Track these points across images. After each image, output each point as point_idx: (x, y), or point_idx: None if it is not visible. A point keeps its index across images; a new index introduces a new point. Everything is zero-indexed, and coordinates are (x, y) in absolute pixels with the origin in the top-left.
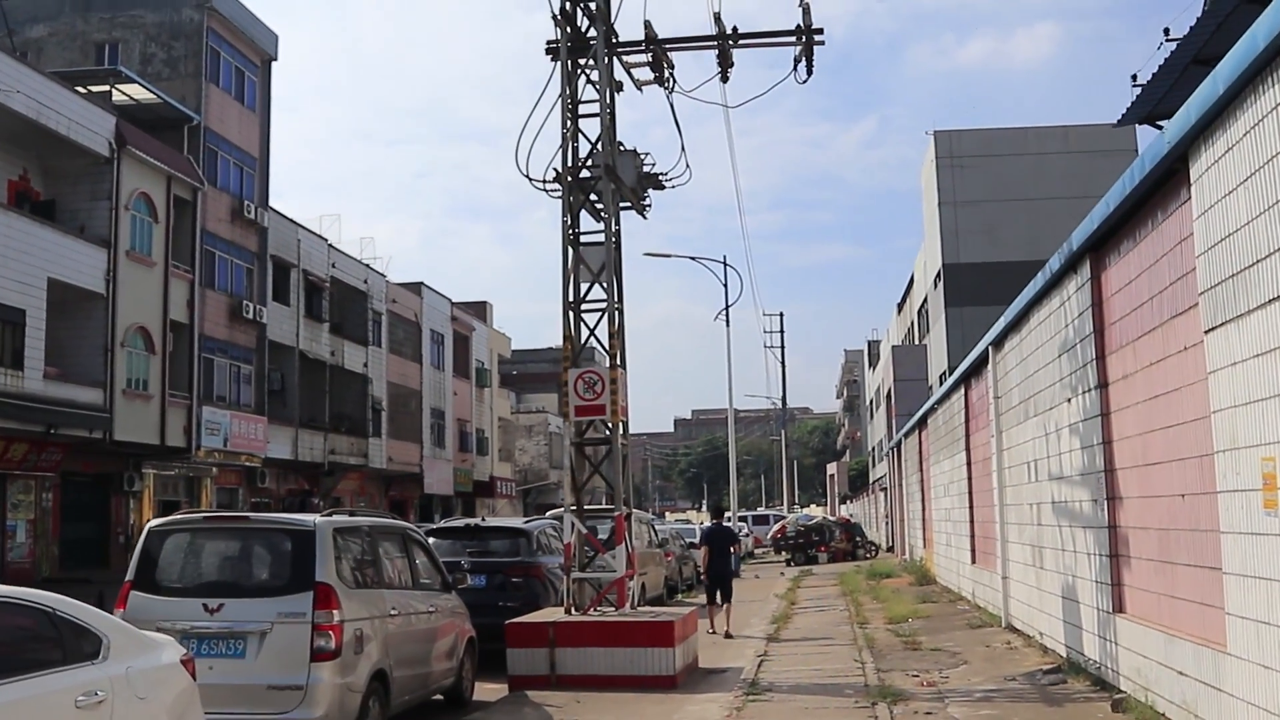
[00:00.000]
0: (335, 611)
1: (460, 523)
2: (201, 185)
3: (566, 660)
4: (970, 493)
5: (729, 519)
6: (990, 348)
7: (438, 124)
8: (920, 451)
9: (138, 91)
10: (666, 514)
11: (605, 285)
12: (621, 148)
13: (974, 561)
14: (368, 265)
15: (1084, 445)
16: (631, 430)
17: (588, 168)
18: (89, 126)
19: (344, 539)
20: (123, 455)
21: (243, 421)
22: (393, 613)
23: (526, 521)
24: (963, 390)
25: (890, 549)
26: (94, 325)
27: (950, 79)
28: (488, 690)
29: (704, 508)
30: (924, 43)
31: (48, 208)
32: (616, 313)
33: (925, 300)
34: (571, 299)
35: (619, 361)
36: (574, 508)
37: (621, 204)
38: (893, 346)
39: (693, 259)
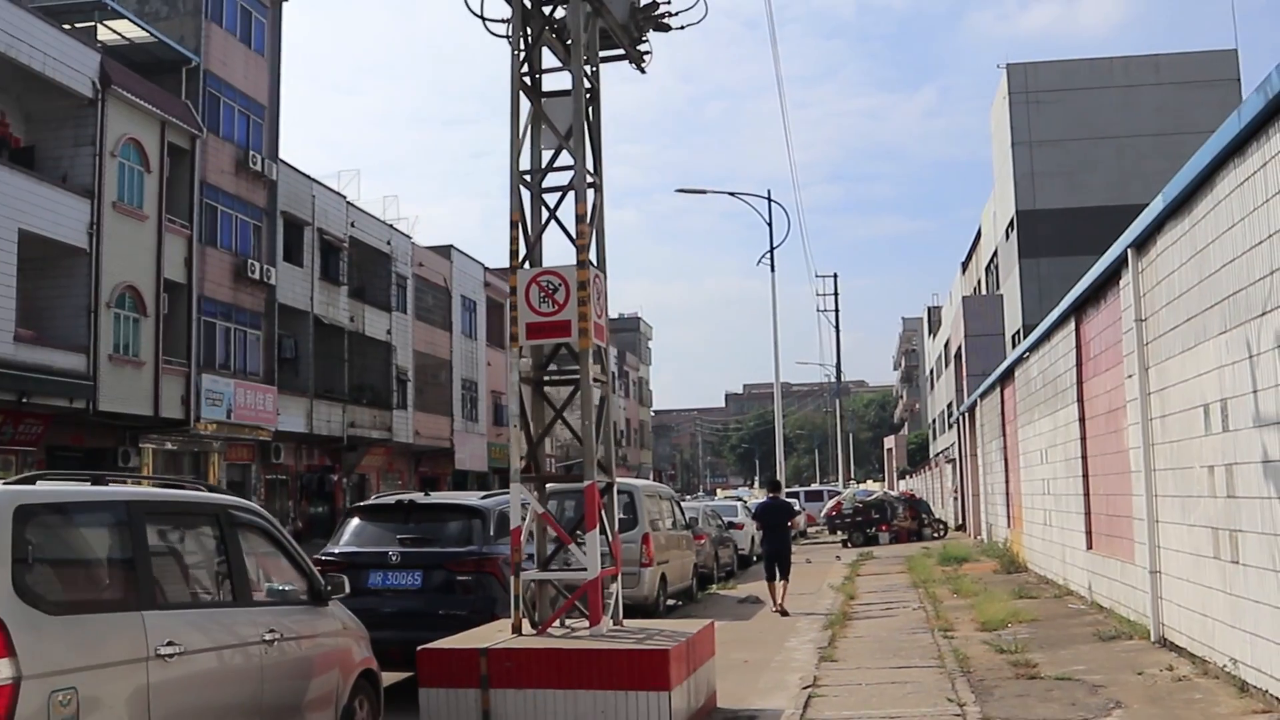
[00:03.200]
0: (3, 661)
1: (391, 499)
2: (200, 132)
3: (507, 709)
4: (1084, 457)
5: (772, 496)
6: (1130, 252)
7: (492, 103)
8: (1003, 413)
9: (130, 30)
10: (718, 490)
11: (574, 151)
12: None
13: (1090, 547)
14: (391, 226)
15: None
16: (681, 405)
17: None
18: (70, 64)
19: (47, 526)
20: (118, 428)
21: (249, 391)
22: (167, 650)
23: (485, 497)
24: (1072, 326)
25: (960, 528)
26: (76, 284)
27: (1013, 46)
28: None
29: (756, 484)
30: (985, 10)
31: (27, 154)
32: (591, 190)
33: (995, 254)
34: (525, 170)
35: (594, 260)
36: (528, 475)
37: (605, 54)
38: (963, 297)
39: (732, 194)
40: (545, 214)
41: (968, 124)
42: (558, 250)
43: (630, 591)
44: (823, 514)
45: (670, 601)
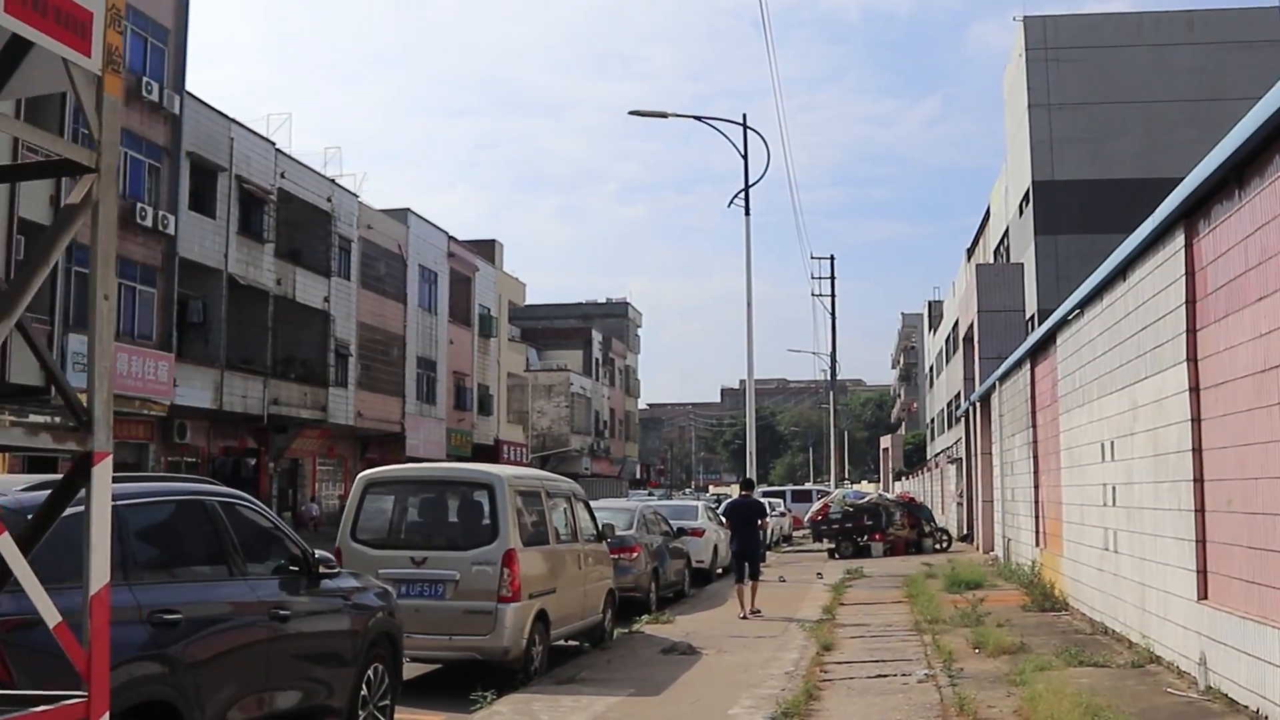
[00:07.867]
0: None
1: None
2: None
3: None
4: (1197, 450)
5: (744, 495)
6: None
7: (501, 95)
8: (1033, 397)
9: None
10: (710, 487)
11: None
12: None
13: (1205, 595)
14: (333, 181)
15: None
16: (675, 399)
17: None
18: None
19: None
20: None
21: (137, 357)
22: None
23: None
24: (1178, 246)
25: (966, 538)
26: None
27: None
28: None
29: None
30: (989, 20)
31: None
32: None
33: (1006, 234)
34: None
35: None
36: None
37: None
38: (978, 266)
39: (698, 119)
40: None
41: (970, 131)
42: None
43: (483, 641)
44: (808, 518)
45: (570, 643)
